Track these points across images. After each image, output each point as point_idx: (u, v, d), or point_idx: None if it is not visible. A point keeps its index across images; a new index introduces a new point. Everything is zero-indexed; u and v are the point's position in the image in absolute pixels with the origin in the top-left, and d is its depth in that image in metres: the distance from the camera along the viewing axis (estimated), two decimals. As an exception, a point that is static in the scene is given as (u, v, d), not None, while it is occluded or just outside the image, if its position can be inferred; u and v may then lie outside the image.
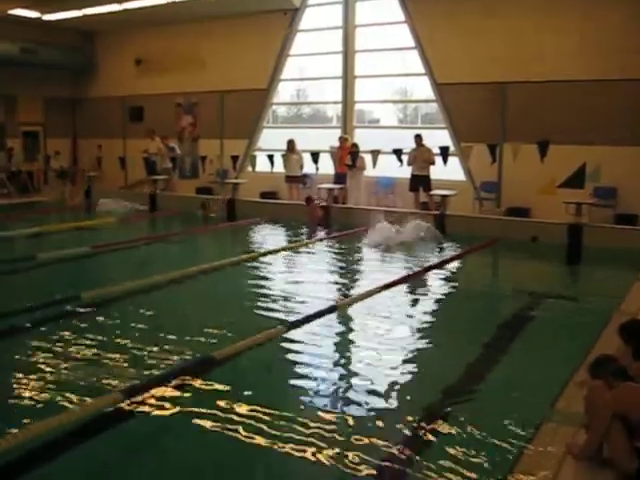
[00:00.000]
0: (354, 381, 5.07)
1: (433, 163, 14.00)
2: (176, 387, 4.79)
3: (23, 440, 3.85)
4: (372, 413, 4.49)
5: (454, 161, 14.52)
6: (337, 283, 8.51)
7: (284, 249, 10.71)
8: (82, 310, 6.89)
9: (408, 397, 4.82)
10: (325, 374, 5.24)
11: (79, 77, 21.31)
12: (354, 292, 7.88)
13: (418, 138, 14.17)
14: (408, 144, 14.26)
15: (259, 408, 4.43)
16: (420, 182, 14.17)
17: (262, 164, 16.10)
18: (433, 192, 13.70)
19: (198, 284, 8.42)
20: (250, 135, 17.89)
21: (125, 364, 5.30)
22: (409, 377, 5.25)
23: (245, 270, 9.22)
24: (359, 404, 4.64)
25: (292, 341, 5.94)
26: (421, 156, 14.06)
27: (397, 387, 4.94)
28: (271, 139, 17.91)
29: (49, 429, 4.03)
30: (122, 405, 4.45)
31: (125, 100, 19.87)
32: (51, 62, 19.70)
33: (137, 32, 19.56)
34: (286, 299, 7.49)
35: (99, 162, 18.68)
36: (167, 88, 19.02)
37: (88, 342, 5.81)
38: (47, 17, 17.98)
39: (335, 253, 10.53)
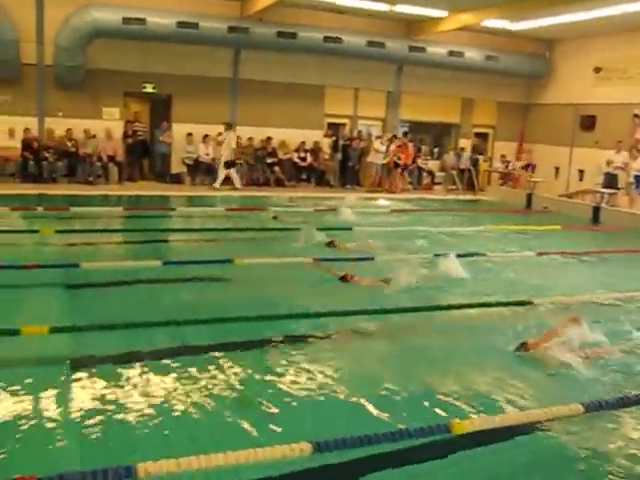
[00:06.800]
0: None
1: None
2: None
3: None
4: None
5: None
6: None
7: None
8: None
9: None
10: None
11: (532, 83, 21.84)
12: None
13: None
14: None
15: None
16: None
17: None
18: None
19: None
20: None
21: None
22: None
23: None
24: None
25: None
26: None
27: None
28: None
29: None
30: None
31: (577, 108, 19.71)
32: (510, 69, 20.61)
33: (597, 39, 19.25)
34: None
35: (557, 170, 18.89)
36: (625, 98, 18.34)
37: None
38: (512, 27, 18.82)
39: None
